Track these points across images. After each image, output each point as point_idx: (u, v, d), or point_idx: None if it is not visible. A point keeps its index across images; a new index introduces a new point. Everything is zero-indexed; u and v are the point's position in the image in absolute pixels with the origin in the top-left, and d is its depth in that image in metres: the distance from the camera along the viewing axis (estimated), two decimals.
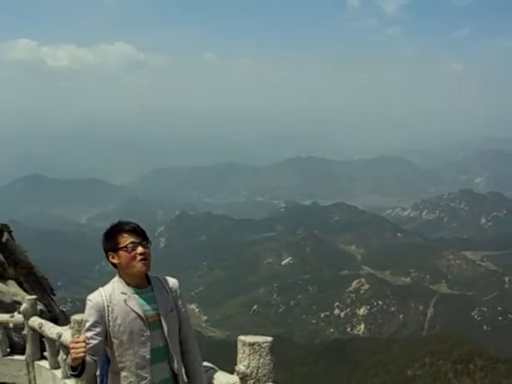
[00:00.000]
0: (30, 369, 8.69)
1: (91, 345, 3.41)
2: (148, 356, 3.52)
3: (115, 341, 3.51)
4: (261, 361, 3.19)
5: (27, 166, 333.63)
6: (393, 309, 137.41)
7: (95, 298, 3.56)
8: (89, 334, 3.45)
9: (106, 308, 3.51)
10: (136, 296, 3.60)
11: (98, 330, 3.47)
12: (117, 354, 3.51)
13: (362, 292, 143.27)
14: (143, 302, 3.60)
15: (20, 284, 17.48)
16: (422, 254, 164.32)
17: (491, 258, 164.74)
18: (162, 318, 3.61)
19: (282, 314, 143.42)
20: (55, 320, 9.63)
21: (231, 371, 3.86)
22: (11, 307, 15.58)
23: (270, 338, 3.32)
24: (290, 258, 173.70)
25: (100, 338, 3.48)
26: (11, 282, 16.85)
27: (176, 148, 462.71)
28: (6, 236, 20.55)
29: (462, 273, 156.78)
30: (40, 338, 8.67)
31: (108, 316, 3.50)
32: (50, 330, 7.76)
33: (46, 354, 8.34)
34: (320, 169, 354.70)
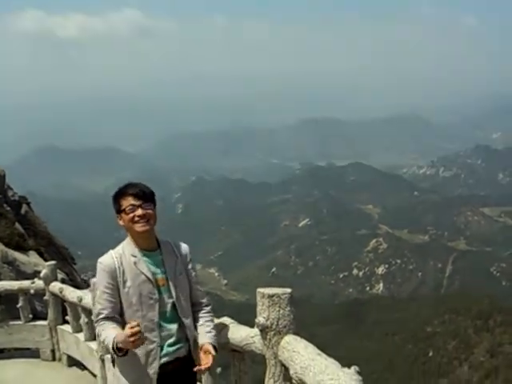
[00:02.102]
0: (53, 333, 8.86)
1: (112, 307, 3.53)
2: (156, 319, 3.59)
3: (125, 302, 3.57)
4: (280, 312, 3.22)
5: (42, 137, 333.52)
6: (411, 267, 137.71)
7: (106, 260, 3.62)
8: (105, 296, 3.54)
9: (117, 270, 3.56)
10: (145, 258, 3.64)
11: (112, 291, 3.54)
12: (126, 316, 3.57)
13: (380, 251, 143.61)
14: (152, 265, 3.65)
15: (41, 254, 17.79)
16: (439, 212, 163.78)
17: (509, 213, 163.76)
18: (170, 282, 3.65)
19: (301, 275, 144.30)
20: (77, 288, 9.82)
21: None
22: (33, 277, 15.90)
23: (289, 290, 3.31)
24: (307, 220, 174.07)
25: (116, 300, 3.56)
26: (32, 253, 17.17)
27: (189, 113, 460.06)
28: (24, 208, 20.86)
29: (480, 229, 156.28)
30: (62, 302, 8.82)
31: (119, 278, 3.56)
32: (71, 294, 7.89)
33: (67, 318, 8.49)
34: (335, 129, 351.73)
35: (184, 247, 3.87)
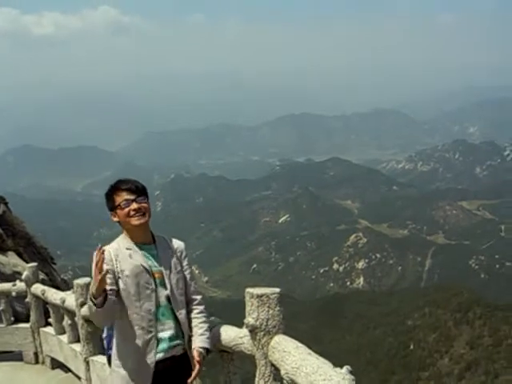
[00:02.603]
0: (36, 336, 8.76)
1: (110, 288, 3.50)
2: (153, 309, 3.60)
3: (123, 292, 3.58)
4: (270, 312, 3.20)
5: (19, 136, 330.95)
6: (391, 261, 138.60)
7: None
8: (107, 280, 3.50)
9: (114, 261, 3.59)
10: (141, 251, 3.66)
11: (111, 279, 3.54)
12: (125, 307, 3.59)
13: (359, 246, 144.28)
14: (148, 258, 3.67)
15: (19, 255, 17.53)
16: (418, 206, 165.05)
17: (487, 207, 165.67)
18: (165, 275, 3.66)
19: (282, 271, 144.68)
20: (57, 288, 9.67)
21: (238, 327, 3.91)
22: (12, 278, 15.64)
23: (277, 289, 3.30)
24: (287, 216, 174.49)
25: (114, 287, 3.55)
26: (11, 253, 16.90)
27: (168, 111, 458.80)
28: (2, 208, 20.53)
29: (459, 223, 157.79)
30: (43, 304, 8.73)
31: (116, 269, 3.58)
32: (53, 295, 7.80)
33: (50, 320, 8.40)
34: (314, 125, 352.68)
35: (179, 243, 3.87)
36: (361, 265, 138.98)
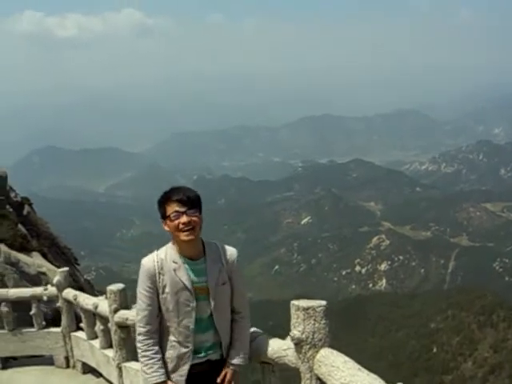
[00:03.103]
0: (67, 340, 8.77)
1: (148, 313, 3.57)
2: (192, 326, 3.57)
3: (163, 307, 3.57)
4: (316, 325, 3.14)
5: (43, 137, 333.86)
6: (414, 263, 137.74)
7: (147, 263, 3.60)
8: (146, 301, 3.57)
9: (157, 275, 3.54)
10: (186, 266, 3.58)
11: (152, 295, 3.55)
12: (164, 319, 3.59)
13: (382, 248, 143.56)
14: (193, 273, 3.59)
15: (44, 255, 17.67)
16: (441, 208, 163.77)
17: (511, 208, 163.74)
18: (210, 291, 3.59)
19: (304, 273, 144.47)
20: (81, 289, 9.72)
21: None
22: (37, 279, 15.78)
23: (323, 302, 3.24)
24: (309, 217, 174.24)
25: (155, 304, 3.57)
26: (35, 254, 17.04)
27: (190, 112, 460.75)
28: (27, 209, 20.72)
29: (483, 225, 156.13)
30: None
31: (159, 283, 3.54)
32: (86, 301, 7.77)
33: (82, 325, 8.40)
34: (336, 126, 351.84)
35: (231, 253, 3.78)
36: (383, 267, 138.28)
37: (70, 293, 8.33)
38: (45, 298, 9.00)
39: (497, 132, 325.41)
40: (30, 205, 21.67)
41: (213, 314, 3.61)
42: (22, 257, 15.74)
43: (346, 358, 2.93)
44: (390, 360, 70.91)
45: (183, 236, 3.51)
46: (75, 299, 8.04)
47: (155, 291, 3.55)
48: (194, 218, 3.54)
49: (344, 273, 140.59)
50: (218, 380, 3.67)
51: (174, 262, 3.57)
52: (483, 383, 61.60)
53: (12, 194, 20.13)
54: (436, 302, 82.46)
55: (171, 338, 3.59)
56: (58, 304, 8.78)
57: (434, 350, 71.86)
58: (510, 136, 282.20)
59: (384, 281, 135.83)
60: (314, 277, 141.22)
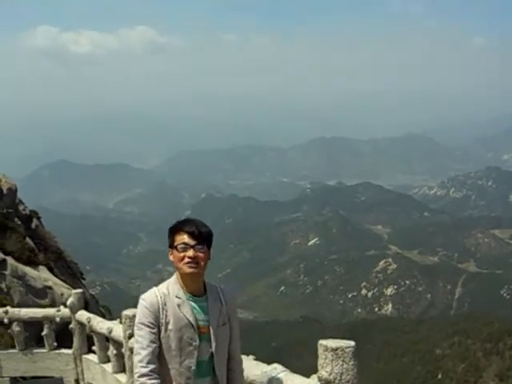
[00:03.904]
0: (78, 362, 8.69)
1: (151, 350, 3.38)
2: (193, 367, 3.43)
3: (164, 345, 3.42)
4: (344, 366, 3.13)
5: (54, 152, 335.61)
6: (420, 288, 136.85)
7: (149, 298, 3.46)
8: (147, 337, 3.39)
9: (160, 310, 3.41)
10: (190, 303, 3.48)
11: (154, 332, 3.40)
12: (165, 359, 3.43)
13: (389, 272, 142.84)
14: (196, 311, 3.49)
15: (50, 269, 17.81)
16: (449, 233, 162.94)
17: None
18: (211, 331, 3.50)
19: (310, 294, 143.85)
20: (86, 304, 9.77)
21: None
22: (42, 292, 15.92)
23: (352, 343, 3.21)
24: (316, 239, 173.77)
25: (157, 342, 3.41)
26: (42, 268, 17.18)
27: (200, 131, 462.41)
28: (35, 222, 20.90)
29: (491, 251, 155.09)
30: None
31: (162, 319, 3.41)
32: (99, 324, 7.70)
33: (94, 348, 8.30)
34: (345, 148, 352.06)
35: (231, 295, 3.72)
36: (389, 291, 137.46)
37: (83, 315, 8.30)
38: (57, 319, 8.97)
39: (506, 158, 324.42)
40: (39, 218, 21.86)
41: (213, 357, 3.50)
42: (28, 270, 15.89)
43: None
44: None
45: (186, 268, 3.43)
46: (89, 322, 7.98)
47: (157, 328, 3.40)
48: (200, 254, 3.46)
49: (350, 296, 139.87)
50: None
51: (177, 297, 3.46)
52: None
53: (21, 207, 20.32)
54: (442, 328, 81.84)
55: (171, 380, 3.45)
56: (71, 326, 8.71)
57: (439, 376, 71.17)
58: None
59: (390, 305, 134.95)
60: (320, 299, 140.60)
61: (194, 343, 3.42)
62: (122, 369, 7.32)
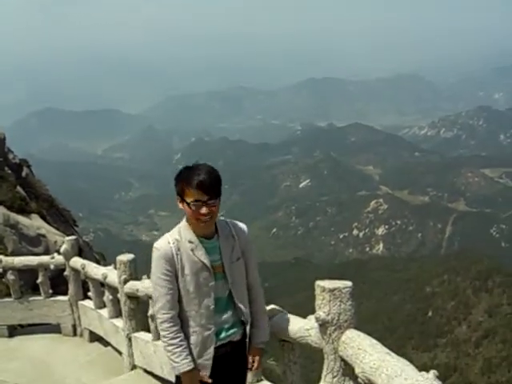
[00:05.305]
0: (74, 309, 8.78)
1: (170, 297, 3.43)
2: (212, 306, 3.48)
3: (182, 290, 3.46)
4: (342, 306, 3.11)
5: (41, 99, 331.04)
6: (411, 228, 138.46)
7: (163, 246, 3.44)
8: (165, 285, 3.42)
9: (175, 256, 3.41)
10: (203, 245, 3.47)
11: (171, 279, 3.42)
12: (183, 303, 3.47)
13: (380, 212, 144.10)
14: (209, 252, 3.49)
15: (43, 217, 17.60)
16: (439, 173, 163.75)
17: (510, 174, 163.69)
18: (226, 268, 3.52)
19: (301, 236, 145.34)
20: (80, 251, 9.67)
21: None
22: (36, 240, 15.76)
23: (349, 283, 3.19)
24: (307, 181, 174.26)
25: (175, 288, 3.44)
26: (34, 216, 16.97)
27: (188, 74, 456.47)
28: (25, 171, 20.57)
29: (481, 190, 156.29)
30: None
31: (177, 265, 3.42)
32: (94, 270, 7.74)
33: (89, 294, 8.39)
34: (335, 90, 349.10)
35: (242, 228, 3.73)
36: (381, 231, 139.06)
37: (77, 262, 8.30)
38: (52, 266, 8.96)
39: (497, 98, 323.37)
40: (29, 167, 21.52)
41: (232, 292, 3.56)
42: (21, 219, 15.68)
43: (374, 341, 2.89)
44: (386, 323, 71.70)
45: (200, 223, 3.40)
46: (83, 268, 8.00)
47: (174, 274, 3.42)
48: (213, 209, 3.39)
49: (341, 236, 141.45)
50: (249, 365, 3.69)
51: (190, 241, 3.45)
52: (477, 347, 62.40)
53: (10, 156, 19.95)
54: (432, 267, 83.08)
55: (192, 323, 3.49)
56: (66, 273, 8.75)
57: (430, 313, 72.66)
58: (509, 102, 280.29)
59: (381, 245, 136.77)
60: (312, 240, 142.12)
61: (211, 284, 3.47)
62: (118, 314, 7.40)
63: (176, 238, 3.46)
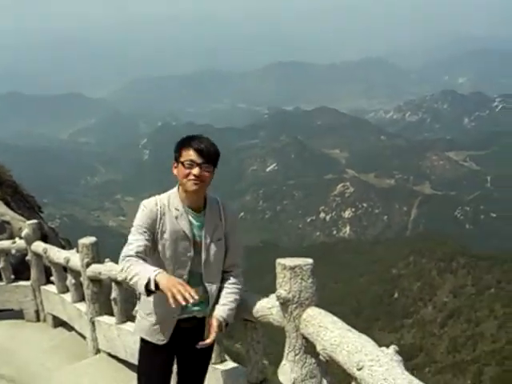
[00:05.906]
0: (37, 294, 8.70)
1: (143, 244, 3.35)
2: (185, 276, 3.47)
3: (160, 253, 3.46)
4: (303, 284, 3.09)
5: (3, 82, 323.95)
6: (377, 211, 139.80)
7: (149, 205, 3.47)
8: (140, 232, 3.38)
9: (158, 218, 3.43)
10: (188, 216, 3.51)
11: (149, 232, 3.39)
12: (156, 265, 3.37)
13: (346, 195, 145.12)
14: (193, 224, 3.52)
15: (7, 203, 17.27)
16: (405, 156, 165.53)
17: (474, 157, 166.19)
18: (203, 245, 3.52)
19: (269, 219, 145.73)
20: (45, 237, 9.53)
21: None
22: (0, 227, 15.46)
23: (310, 260, 3.14)
24: (274, 165, 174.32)
25: (149, 244, 3.39)
26: None
27: (153, 57, 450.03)
28: None
29: (445, 173, 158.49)
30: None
31: (158, 227, 3.43)
32: (56, 254, 7.65)
33: (52, 278, 8.29)
34: (303, 73, 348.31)
35: (232, 212, 3.78)
36: (347, 214, 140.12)
37: (39, 246, 8.19)
38: (13, 251, 8.86)
39: (461, 82, 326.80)
40: None
41: (202, 270, 3.54)
42: None
43: (335, 318, 2.88)
44: (353, 305, 72.55)
45: (189, 185, 3.43)
46: (45, 253, 7.89)
47: (152, 232, 3.41)
48: (205, 173, 3.45)
49: (309, 220, 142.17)
50: (205, 336, 3.55)
51: (176, 209, 3.48)
52: (442, 327, 63.67)
53: None
54: (398, 249, 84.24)
55: None
56: (27, 257, 8.65)
57: (396, 295, 73.83)
58: (474, 86, 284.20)
59: (348, 228, 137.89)
60: (279, 224, 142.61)
61: (189, 254, 3.48)
62: (81, 298, 7.33)
63: (164, 203, 3.49)
